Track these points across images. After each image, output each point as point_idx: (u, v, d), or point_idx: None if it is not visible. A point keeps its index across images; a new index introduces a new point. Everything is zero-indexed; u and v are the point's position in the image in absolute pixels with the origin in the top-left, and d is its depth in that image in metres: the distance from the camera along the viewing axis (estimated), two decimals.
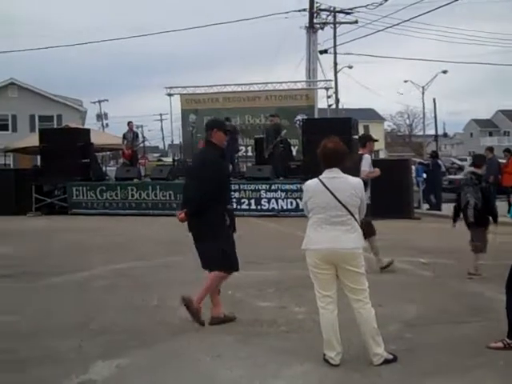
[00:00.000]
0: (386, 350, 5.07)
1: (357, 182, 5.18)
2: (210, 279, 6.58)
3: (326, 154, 5.17)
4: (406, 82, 59.61)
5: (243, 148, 24.75)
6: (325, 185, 5.08)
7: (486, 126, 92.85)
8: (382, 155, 73.52)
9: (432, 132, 62.26)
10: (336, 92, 36.32)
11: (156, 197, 19.14)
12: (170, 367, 5.18)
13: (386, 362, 5.00)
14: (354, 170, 5.34)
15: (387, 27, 32.96)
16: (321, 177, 5.17)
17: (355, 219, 5.07)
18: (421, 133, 74.03)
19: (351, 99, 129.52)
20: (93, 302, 7.59)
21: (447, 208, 18.29)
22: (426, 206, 19.90)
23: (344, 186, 5.09)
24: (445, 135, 73.47)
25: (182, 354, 5.47)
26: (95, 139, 22.56)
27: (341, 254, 5.01)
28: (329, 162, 5.15)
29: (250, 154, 24.24)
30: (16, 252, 11.79)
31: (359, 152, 10.01)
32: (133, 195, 19.40)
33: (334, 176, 5.11)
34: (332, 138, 5.30)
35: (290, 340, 5.82)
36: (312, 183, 5.23)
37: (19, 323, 6.66)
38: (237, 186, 18.42)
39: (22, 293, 8.21)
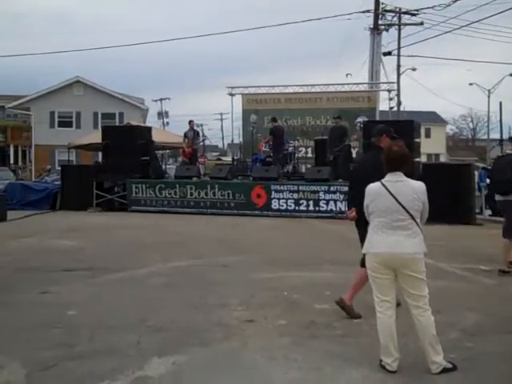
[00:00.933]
0: (445, 358, 4.97)
1: (420, 186, 5.10)
2: (360, 274, 6.62)
3: (391, 158, 5.11)
4: (471, 84, 58.43)
5: (303, 149, 24.75)
6: (387, 188, 5.03)
7: None
8: (442, 159, 72.42)
9: (497, 136, 60.90)
10: (398, 94, 35.90)
11: (214, 196, 19.26)
12: (225, 367, 5.19)
13: (445, 370, 4.90)
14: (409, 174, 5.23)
15: (455, 29, 32.46)
16: (383, 180, 5.11)
17: (417, 224, 5.00)
18: (485, 137, 72.51)
19: (413, 102, 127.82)
20: (151, 298, 7.67)
21: None
22: (489, 211, 19.48)
23: (406, 189, 5.02)
24: (510, 139, 71.85)
25: (237, 355, 5.47)
26: (156, 137, 22.82)
27: (401, 258, 4.94)
28: (393, 166, 5.09)
29: (310, 155, 24.22)
30: (79, 247, 12.05)
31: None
32: (191, 194, 19.56)
33: (396, 180, 5.05)
34: (397, 141, 5.25)
35: (346, 344, 5.77)
36: (374, 186, 5.18)
37: (79, 317, 6.78)
38: (295, 187, 18.41)
39: (84, 287, 8.36)
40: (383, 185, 5.08)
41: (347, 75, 34.64)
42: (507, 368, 5.16)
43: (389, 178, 5.09)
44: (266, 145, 22.58)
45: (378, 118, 24.61)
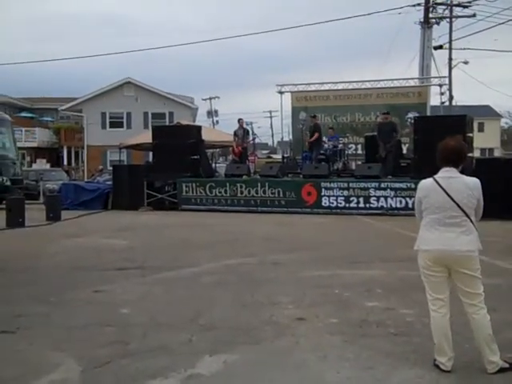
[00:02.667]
0: (501, 357, 4.86)
1: (474, 182, 4.98)
2: None
3: (446, 153, 5.00)
4: None
5: (353, 146, 24.60)
6: (440, 185, 4.94)
7: None
8: (496, 153, 71.07)
9: None
10: (450, 89, 35.37)
11: (265, 194, 19.28)
12: (276, 366, 5.17)
13: (502, 370, 4.80)
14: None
15: (508, 20, 31.77)
16: (436, 176, 5.02)
17: (471, 221, 4.89)
18: None
19: (466, 96, 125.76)
20: (203, 297, 7.71)
21: None
22: None
23: (460, 186, 4.92)
24: None
25: (288, 353, 5.44)
26: (206, 136, 22.96)
27: (454, 256, 4.85)
28: (447, 161, 4.99)
29: (359, 151, 24.06)
30: (130, 246, 12.20)
31: None
32: (242, 192, 19.63)
33: (449, 176, 4.95)
34: (455, 136, 5.14)
35: (399, 343, 5.69)
36: (427, 182, 5.08)
37: (133, 316, 6.86)
38: (346, 184, 18.31)
39: (136, 286, 8.45)
40: (436, 181, 4.99)
41: None
42: None
43: (442, 174, 4.99)
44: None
45: (428, 114, 24.32)
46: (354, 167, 21.46)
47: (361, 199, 18.08)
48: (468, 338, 5.16)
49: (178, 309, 7.12)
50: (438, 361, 4.91)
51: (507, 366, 4.84)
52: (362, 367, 5.03)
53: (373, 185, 17.99)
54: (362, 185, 18.13)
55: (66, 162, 46.37)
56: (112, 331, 6.21)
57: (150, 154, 25.25)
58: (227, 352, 5.45)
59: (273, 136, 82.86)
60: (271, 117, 79.04)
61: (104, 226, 16.18)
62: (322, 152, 21.87)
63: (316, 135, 21.40)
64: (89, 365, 5.15)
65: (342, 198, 18.28)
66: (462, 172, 5.03)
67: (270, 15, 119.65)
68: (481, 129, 70.73)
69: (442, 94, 26.78)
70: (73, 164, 47.14)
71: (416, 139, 18.12)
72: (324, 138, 22.64)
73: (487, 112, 76.10)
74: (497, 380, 4.72)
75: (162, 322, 6.56)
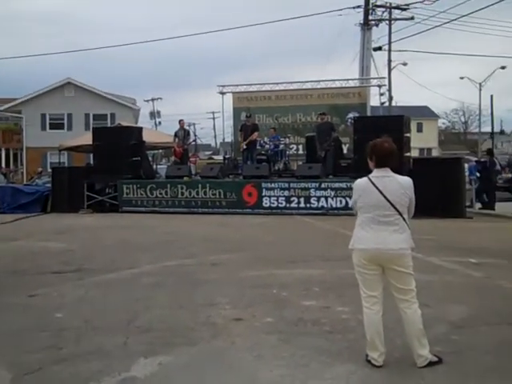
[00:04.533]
0: (431, 351, 4.98)
1: (407, 181, 5.11)
2: None
3: (380, 154, 5.11)
4: (462, 78, 58.46)
5: (294, 146, 24.77)
6: (374, 184, 5.04)
7: None
8: (434, 153, 72.55)
9: (488, 129, 61.01)
10: (389, 89, 35.94)
11: (206, 195, 19.25)
12: (211, 366, 5.18)
13: (431, 364, 4.91)
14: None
15: (444, 23, 32.60)
16: (370, 176, 5.12)
17: (404, 219, 5.00)
18: (476, 130, 72.70)
19: (405, 96, 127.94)
20: (140, 299, 7.65)
21: (502, 207, 17.99)
22: (479, 205, 19.54)
23: (394, 185, 5.03)
24: (502, 132, 71.98)
25: (224, 354, 5.46)
26: (147, 137, 22.78)
27: (388, 254, 4.95)
28: (382, 162, 5.10)
29: (301, 152, 24.24)
30: (68, 249, 12.01)
31: None
32: (182, 193, 19.55)
33: (383, 175, 5.06)
34: (385, 137, 5.26)
35: (334, 340, 5.77)
36: (362, 182, 5.18)
37: (67, 319, 6.76)
38: (286, 185, 18.43)
39: (73, 290, 8.32)
40: (370, 180, 5.08)
41: None
42: (492, 360, 5.17)
43: (376, 174, 5.09)
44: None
45: (369, 114, 24.68)
46: (295, 167, 21.60)
47: (301, 199, 18.21)
48: (400, 334, 5.27)
49: (114, 311, 7.06)
50: (370, 356, 5.01)
51: (436, 359, 4.96)
52: (296, 365, 5.08)
53: (313, 185, 18.14)
54: (303, 185, 18.26)
55: (3, 165, 45.36)
56: (46, 336, 6.11)
57: (91, 155, 24.92)
58: (163, 354, 5.43)
59: (215, 137, 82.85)
60: (214, 118, 79.03)
61: (42, 229, 15.90)
62: (263, 152, 21.97)
63: (256, 134, 21.46)
64: (19, 371, 5.06)
65: (283, 199, 18.38)
66: (398, 171, 5.14)
67: (213, 15, 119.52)
68: (419, 129, 72.21)
69: (381, 94, 27.19)
70: (11, 166, 46.15)
71: (356, 139, 18.34)
72: (265, 139, 22.76)
73: (425, 113, 77.70)
74: (426, 373, 4.83)
75: (97, 325, 6.49)
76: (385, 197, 4.97)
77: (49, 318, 6.84)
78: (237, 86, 26.43)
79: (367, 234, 5.04)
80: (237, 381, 4.90)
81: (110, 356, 5.43)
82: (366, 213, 5.08)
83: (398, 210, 4.98)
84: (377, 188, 5.01)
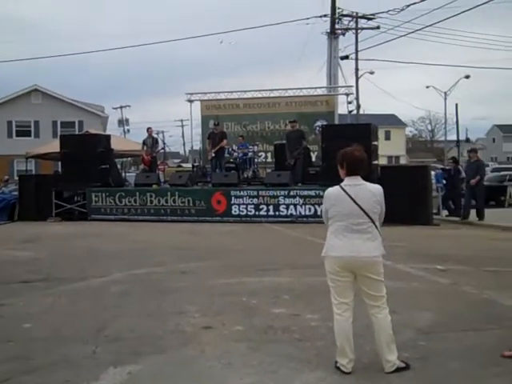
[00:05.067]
0: (398, 357, 5.04)
1: (378, 188, 5.17)
2: None
3: (352, 162, 5.15)
4: (428, 87, 59.10)
5: (263, 154, 24.80)
6: (347, 192, 5.08)
7: (509, 131, 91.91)
8: (402, 161, 73.20)
9: (454, 137, 61.79)
10: (357, 98, 36.18)
11: (174, 203, 19.21)
12: (181, 375, 5.18)
13: (398, 370, 4.97)
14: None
15: (409, 32, 32.89)
16: (342, 184, 5.17)
17: (376, 226, 5.06)
18: (442, 138, 73.56)
19: (373, 105, 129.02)
20: (109, 307, 7.61)
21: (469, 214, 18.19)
22: (446, 212, 19.77)
23: (366, 193, 5.09)
24: (467, 140, 72.81)
25: (194, 362, 5.46)
26: (116, 145, 22.66)
27: (362, 262, 5.00)
28: (353, 170, 5.15)
29: (269, 160, 24.29)
30: (36, 257, 11.89)
31: None
32: (151, 201, 19.48)
33: (355, 183, 5.11)
34: (356, 145, 5.31)
35: (303, 347, 5.80)
36: (334, 191, 5.21)
37: (35, 329, 6.70)
38: (255, 192, 18.45)
39: (41, 299, 8.24)
40: (342, 188, 5.12)
41: None
42: (458, 365, 5.24)
43: (348, 182, 5.14)
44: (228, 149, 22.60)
45: (336, 122, 24.81)
46: (264, 175, 21.64)
47: (270, 207, 18.25)
48: (369, 340, 5.34)
49: (82, 320, 7.00)
50: (340, 363, 5.05)
51: (404, 365, 5.02)
52: (266, 372, 5.10)
53: (282, 193, 18.18)
54: (272, 193, 18.30)
55: None
56: (13, 347, 6.05)
57: (59, 163, 24.69)
58: (132, 363, 5.41)
59: (184, 145, 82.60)
60: (182, 126, 78.84)
61: (8, 238, 15.70)
62: (231, 160, 22.00)
63: (225, 142, 21.47)
64: None
65: (252, 206, 18.40)
66: (366, 179, 5.20)
67: (184, 23, 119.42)
68: (387, 137, 72.84)
69: (349, 102, 27.28)
70: None
71: (324, 147, 18.46)
72: (234, 146, 22.78)
73: (393, 121, 78.44)
74: (393, 379, 4.88)
75: (65, 334, 6.45)
76: (358, 205, 5.02)
77: (16, 328, 6.76)
78: (205, 93, 26.40)
79: (340, 242, 5.07)
80: None
81: (78, 365, 5.39)
82: (338, 221, 5.12)
83: (370, 218, 5.04)
84: (349, 196, 5.05)
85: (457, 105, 54.63)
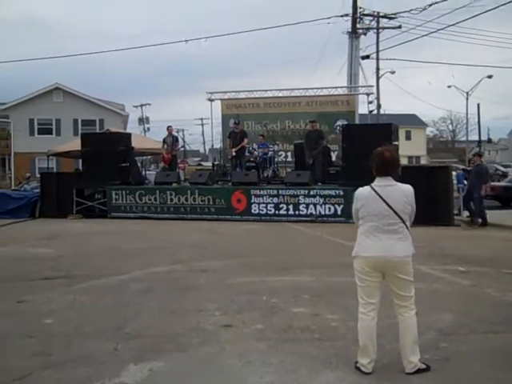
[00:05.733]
0: (419, 359, 5.02)
1: (409, 189, 5.18)
2: None
3: (383, 163, 5.15)
4: (449, 87, 58.91)
5: (283, 153, 24.79)
6: (378, 193, 5.09)
7: None
8: (423, 161, 72.77)
9: (475, 138, 61.33)
10: (378, 97, 36.04)
11: (195, 201, 19.23)
12: (201, 372, 5.20)
13: (419, 371, 4.95)
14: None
15: (431, 32, 32.80)
16: (373, 185, 5.17)
17: (406, 227, 5.06)
18: (464, 138, 73.04)
19: (393, 105, 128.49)
20: (130, 305, 7.65)
21: (490, 215, 18.06)
22: (466, 213, 19.63)
23: (397, 193, 5.09)
24: (489, 141, 72.20)
25: (214, 360, 5.48)
26: (136, 143, 22.72)
27: (393, 262, 5.00)
28: (384, 171, 5.15)
29: (289, 159, 24.28)
30: (57, 255, 11.96)
31: None
32: (171, 199, 19.52)
33: (386, 184, 5.11)
34: (388, 145, 5.37)
35: (323, 347, 5.79)
36: (364, 191, 5.22)
37: (57, 326, 6.76)
38: (275, 192, 18.43)
39: (62, 296, 8.30)
40: (373, 189, 5.13)
41: None
42: (479, 368, 5.21)
43: (379, 183, 5.14)
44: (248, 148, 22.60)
45: (357, 122, 24.77)
46: (284, 174, 21.61)
47: (290, 206, 18.21)
48: (390, 340, 5.32)
49: (103, 317, 7.04)
50: (360, 363, 5.04)
51: (424, 367, 5.00)
52: (285, 371, 5.11)
53: (302, 192, 18.14)
54: (292, 192, 18.26)
55: None
56: (34, 342, 6.10)
57: (80, 161, 24.84)
58: (153, 360, 5.44)
59: (204, 143, 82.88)
60: (202, 124, 79.09)
61: (30, 235, 15.80)
62: (251, 159, 22.01)
63: (246, 141, 21.49)
64: (7, 378, 5.05)
65: (272, 206, 18.38)
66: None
67: (205, 22, 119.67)
68: (408, 137, 72.44)
69: (369, 102, 27.20)
70: None
71: (344, 147, 18.40)
72: (254, 146, 22.78)
73: (414, 121, 78.01)
74: (414, 380, 4.87)
75: (86, 331, 6.49)
76: (389, 205, 5.02)
77: (37, 324, 6.82)
78: (225, 92, 26.49)
79: (371, 242, 5.09)
80: None
81: (99, 362, 5.43)
82: (369, 221, 5.12)
83: (401, 219, 5.04)
84: (381, 197, 5.06)
85: (479, 105, 54.21)
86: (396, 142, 17.94)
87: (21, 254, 12.32)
